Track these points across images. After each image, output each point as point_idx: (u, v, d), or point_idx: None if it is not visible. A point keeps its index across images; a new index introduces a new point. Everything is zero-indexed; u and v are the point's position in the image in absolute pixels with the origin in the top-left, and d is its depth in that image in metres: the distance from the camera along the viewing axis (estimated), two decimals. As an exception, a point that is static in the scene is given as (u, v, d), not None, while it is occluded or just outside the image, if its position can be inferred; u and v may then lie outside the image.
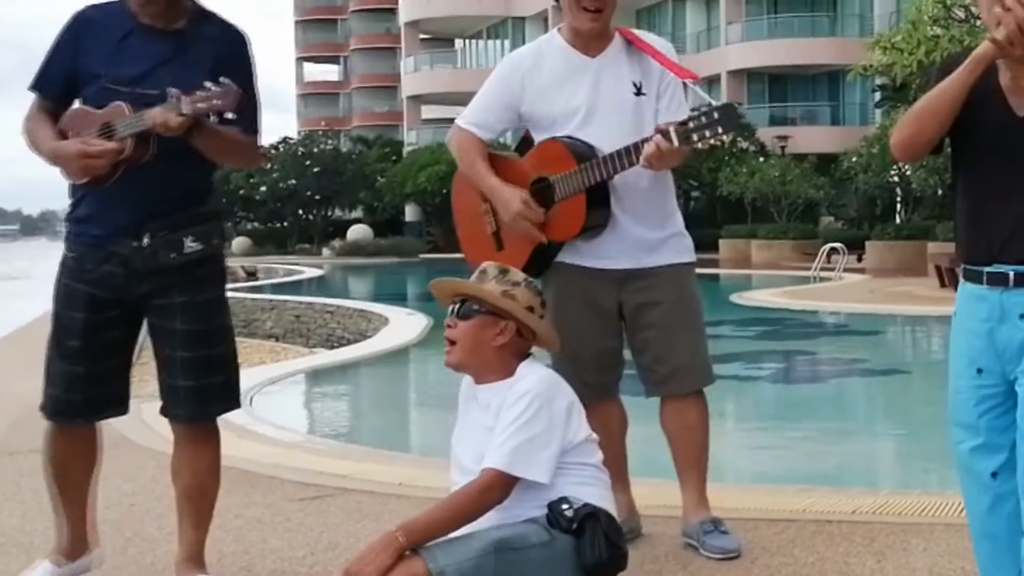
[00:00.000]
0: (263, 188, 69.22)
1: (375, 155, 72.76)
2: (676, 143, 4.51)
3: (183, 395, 4.51)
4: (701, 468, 5.13)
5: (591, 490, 3.93)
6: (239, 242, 69.37)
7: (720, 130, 4.49)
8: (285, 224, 72.96)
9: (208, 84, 4.13)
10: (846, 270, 32.60)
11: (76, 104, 4.46)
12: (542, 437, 3.80)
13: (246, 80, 4.43)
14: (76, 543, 4.73)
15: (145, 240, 4.32)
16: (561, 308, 4.99)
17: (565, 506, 3.78)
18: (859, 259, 37.72)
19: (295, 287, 34.06)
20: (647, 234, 4.98)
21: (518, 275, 4.10)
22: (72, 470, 4.71)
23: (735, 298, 24.14)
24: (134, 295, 4.44)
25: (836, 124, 56.69)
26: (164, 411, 4.62)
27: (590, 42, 4.96)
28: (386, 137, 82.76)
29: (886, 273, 32.94)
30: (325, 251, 62.95)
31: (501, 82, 5.09)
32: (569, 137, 4.90)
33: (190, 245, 4.39)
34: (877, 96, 48.09)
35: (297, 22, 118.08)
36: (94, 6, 4.50)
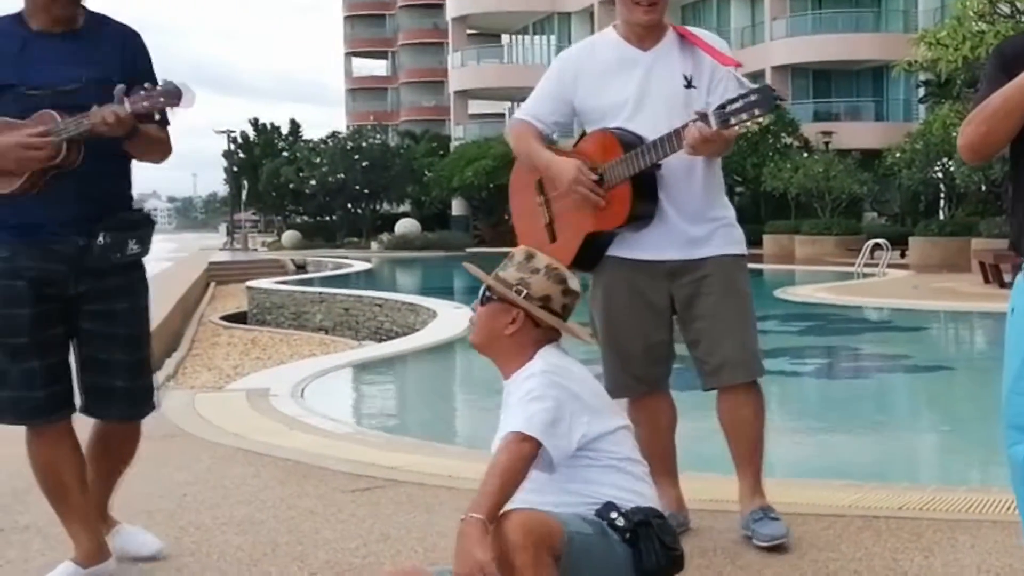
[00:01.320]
0: (312, 182, 69.51)
1: (422, 150, 72.84)
2: (715, 126, 4.50)
3: (119, 396, 4.63)
4: (756, 461, 5.12)
5: (622, 478, 3.87)
6: (289, 235, 69.66)
7: (757, 112, 4.46)
8: (334, 218, 73.21)
9: (148, 84, 4.29)
10: (890, 266, 32.39)
11: None
12: (552, 411, 3.71)
13: (150, 73, 4.58)
14: (91, 549, 4.67)
15: (100, 239, 4.44)
16: (610, 302, 5.02)
17: (614, 515, 3.72)
18: (902, 255, 37.49)
19: (344, 280, 34.22)
20: (695, 226, 4.97)
21: (541, 262, 3.99)
22: (59, 472, 4.65)
23: (779, 293, 24.03)
24: (71, 294, 4.49)
25: (880, 120, 56.37)
26: (91, 411, 4.68)
27: (644, 36, 4.97)
28: (433, 132, 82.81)
29: (930, 269, 32.69)
30: (373, 245, 63.05)
31: (555, 76, 5.14)
32: (619, 128, 4.91)
33: (132, 247, 4.54)
34: (921, 92, 47.84)
35: (346, 17, 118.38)
36: None
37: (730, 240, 5.08)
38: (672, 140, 4.68)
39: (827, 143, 51.39)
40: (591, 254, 5.05)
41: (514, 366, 3.94)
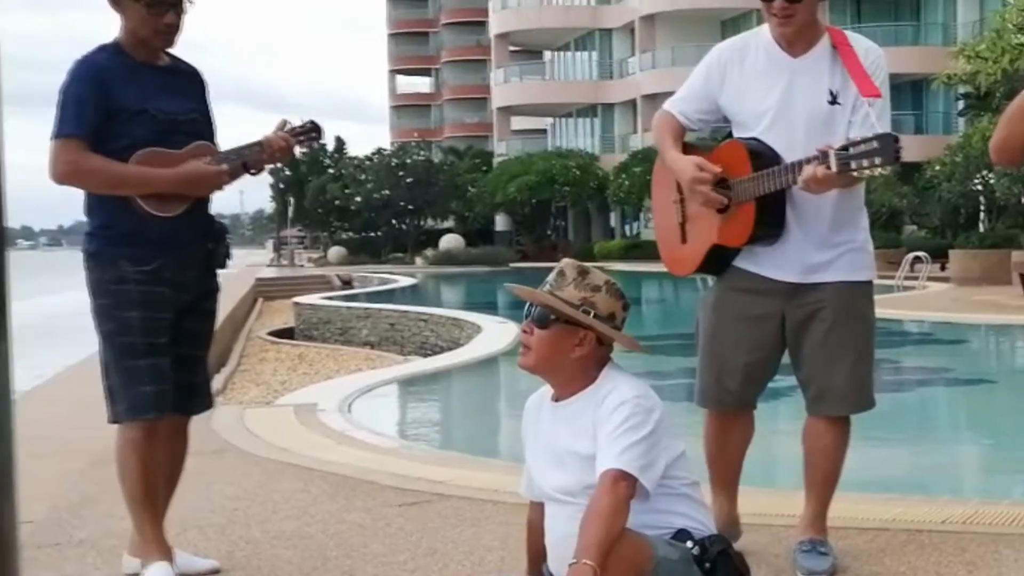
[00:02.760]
0: (358, 198, 69.78)
1: (466, 166, 73.03)
2: (834, 168, 4.31)
3: (201, 390, 5.10)
4: (825, 492, 4.95)
5: (691, 506, 3.87)
6: (335, 251, 69.92)
7: (878, 161, 4.22)
8: (379, 234, 73.42)
9: (299, 119, 5.04)
10: (930, 279, 32.27)
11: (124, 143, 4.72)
12: (646, 442, 3.66)
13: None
14: (162, 546, 4.82)
15: (218, 243, 5.00)
16: (720, 312, 4.90)
17: (690, 543, 3.70)
18: (942, 268, 37.25)
19: (389, 296, 34.25)
20: (819, 251, 4.76)
21: (599, 278, 3.90)
22: (158, 469, 4.85)
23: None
24: (193, 295, 4.93)
25: (920, 133, 56.07)
26: (181, 407, 4.94)
27: (793, 41, 4.75)
28: (476, 148, 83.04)
29: (970, 282, 32.48)
30: (418, 260, 63.20)
31: (703, 73, 4.96)
32: (755, 139, 4.76)
33: (230, 251, 5.16)
34: (961, 105, 47.52)
35: (390, 35, 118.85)
36: (96, 52, 4.77)
37: (855, 266, 4.86)
38: (795, 171, 4.51)
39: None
40: (717, 263, 4.92)
41: (575, 386, 3.86)
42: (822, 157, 4.35)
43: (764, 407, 5.19)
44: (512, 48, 76.95)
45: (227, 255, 5.08)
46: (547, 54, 77.80)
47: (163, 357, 4.77)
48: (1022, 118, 3.34)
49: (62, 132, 4.65)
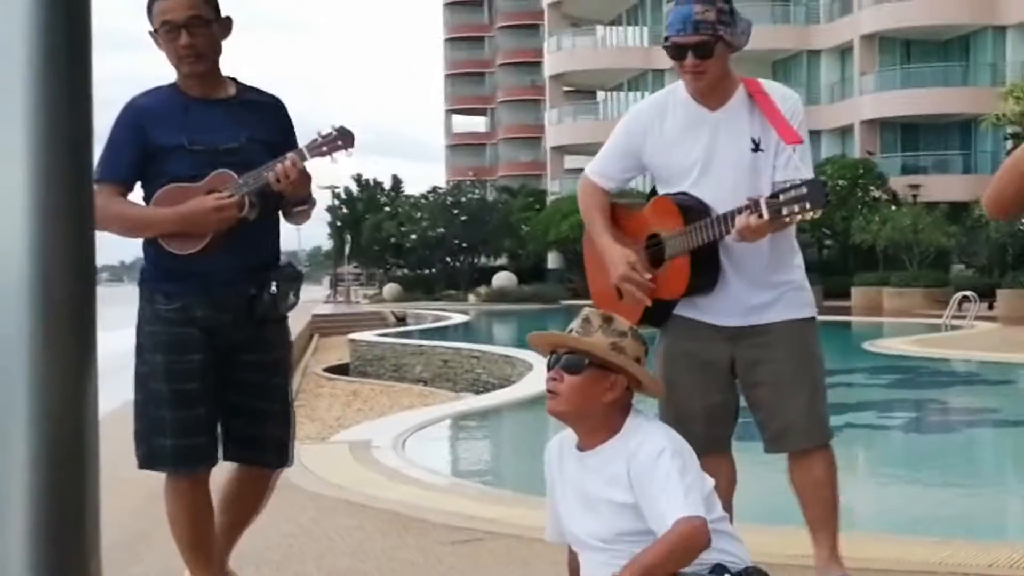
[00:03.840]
0: (413, 236, 69.97)
1: (519, 204, 73.09)
2: (766, 216, 4.33)
3: (272, 444, 4.77)
4: (831, 524, 4.87)
5: (726, 540, 3.83)
6: (390, 288, 70.08)
7: (808, 205, 4.27)
8: (433, 271, 73.55)
9: (320, 131, 4.65)
10: (977, 318, 31.98)
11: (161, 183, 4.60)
12: (696, 484, 3.67)
13: (295, 136, 4.84)
14: None
15: (272, 288, 4.62)
16: (670, 361, 4.85)
17: None
18: (990, 307, 36.98)
19: (443, 333, 34.33)
20: (758, 292, 4.76)
21: (623, 324, 3.93)
22: (204, 522, 4.73)
23: (867, 346, 23.79)
24: (230, 342, 4.64)
25: (968, 172, 55.68)
26: (242, 458, 4.78)
27: (708, 95, 4.76)
28: (530, 186, 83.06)
29: (1018, 321, 32.20)
30: (471, 297, 63.22)
31: (624, 133, 4.98)
32: (683, 193, 4.76)
33: (292, 299, 4.73)
34: (1009, 144, 47.19)
35: (447, 76, 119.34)
36: (143, 95, 4.72)
37: (796, 304, 4.86)
38: (728, 222, 4.51)
39: (915, 196, 50.92)
40: (658, 313, 4.89)
41: (602, 435, 3.84)
42: (753, 206, 4.37)
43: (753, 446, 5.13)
44: (566, 88, 77.12)
45: (277, 303, 4.67)
46: (600, 94, 77.90)
47: (195, 408, 4.56)
48: (1013, 173, 3.33)
49: (95, 177, 4.54)
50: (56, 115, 1.19)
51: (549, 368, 3.92)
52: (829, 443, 4.90)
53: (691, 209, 4.71)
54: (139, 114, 4.63)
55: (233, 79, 4.78)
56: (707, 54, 4.64)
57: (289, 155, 4.54)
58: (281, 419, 4.79)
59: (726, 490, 4.91)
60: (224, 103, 4.69)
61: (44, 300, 1.18)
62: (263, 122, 4.75)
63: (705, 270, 4.73)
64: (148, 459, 4.62)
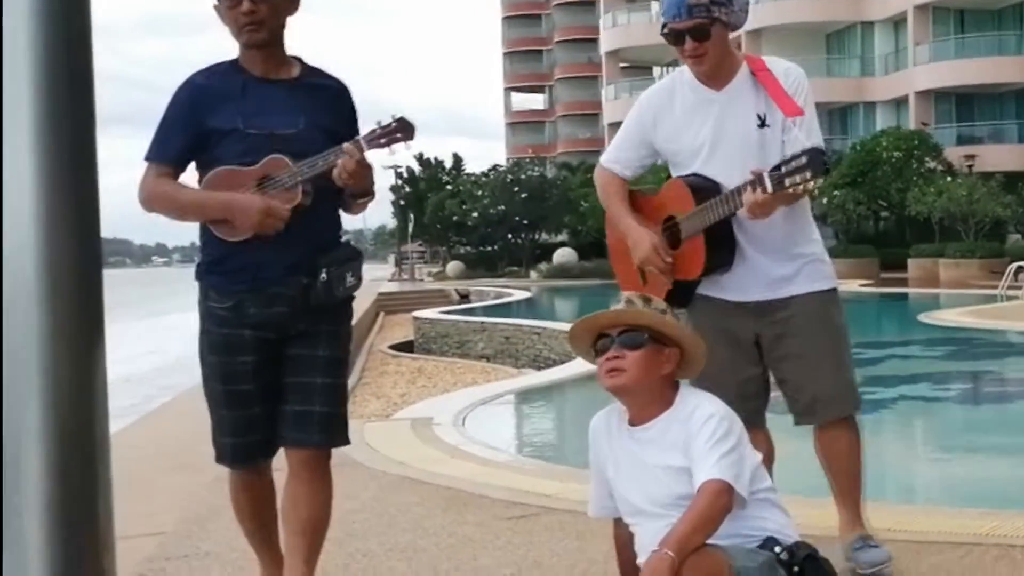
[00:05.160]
0: (475, 214, 70.01)
1: (579, 180, 72.88)
2: (770, 189, 4.37)
3: (317, 420, 4.42)
4: (855, 492, 4.97)
5: (776, 512, 3.89)
6: (453, 266, 70.24)
7: (808, 175, 4.29)
8: (495, 248, 73.58)
9: (380, 121, 4.36)
10: (1034, 287, 31.64)
11: (214, 165, 4.39)
12: (736, 452, 3.72)
13: (356, 124, 4.57)
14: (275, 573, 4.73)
15: (323, 276, 4.34)
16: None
17: (778, 548, 3.72)
18: (1048, 276, 36.57)
19: (505, 309, 34.28)
20: (779, 265, 4.83)
21: (661, 303, 4.01)
22: (266, 510, 4.71)
23: (923, 318, 23.53)
24: (291, 332, 4.42)
25: (1023, 142, 55.16)
26: (289, 439, 4.45)
27: (713, 76, 4.80)
28: (589, 163, 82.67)
29: (1075, 290, 31.82)
30: (532, 274, 63.19)
31: (637, 121, 5.04)
32: (694, 174, 4.81)
33: (350, 280, 4.44)
34: (1065, 114, 46.77)
35: (505, 54, 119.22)
36: (201, 72, 4.49)
37: (817, 276, 4.91)
38: (736, 197, 4.57)
39: (970, 166, 50.43)
40: (682, 294, 4.93)
41: (656, 408, 3.90)
42: (757, 180, 4.41)
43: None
44: (622, 64, 76.93)
45: (331, 289, 4.38)
46: (656, 70, 77.49)
47: (248, 408, 4.43)
48: None
49: (145, 156, 4.43)
50: (59, 109, 1.22)
51: (601, 351, 3.95)
52: (855, 414, 4.95)
53: (701, 189, 4.76)
54: (195, 94, 4.40)
55: (298, 59, 4.54)
56: (704, 37, 4.67)
57: (346, 146, 4.27)
58: (326, 393, 4.46)
59: (764, 465, 4.99)
60: (285, 84, 4.44)
61: (52, 292, 1.22)
62: (324, 107, 4.48)
63: (720, 248, 4.78)
64: (217, 456, 4.58)
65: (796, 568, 3.69)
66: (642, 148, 5.04)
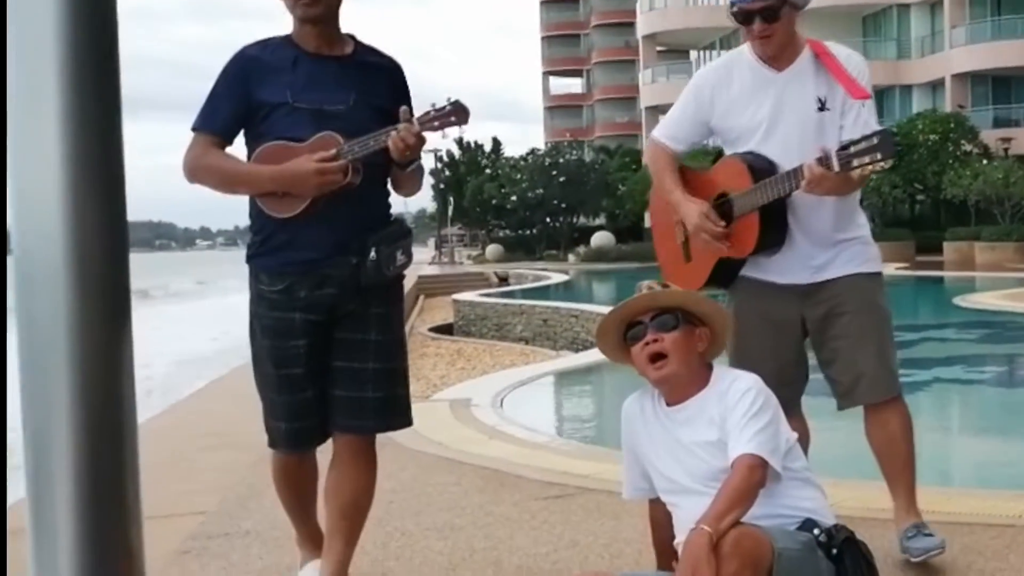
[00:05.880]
0: (513, 198, 69.99)
1: (616, 164, 72.80)
2: (836, 168, 4.32)
3: (371, 406, 4.37)
4: (907, 477, 4.87)
5: (814, 492, 3.89)
6: (492, 249, 70.27)
7: (879, 156, 4.22)
8: (534, 231, 73.55)
9: (435, 103, 4.24)
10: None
11: (265, 140, 4.30)
12: (771, 427, 3.72)
13: (410, 104, 4.44)
14: (314, 547, 4.75)
15: (372, 255, 4.25)
16: (741, 322, 4.77)
17: (817, 531, 3.71)
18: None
19: (543, 292, 34.30)
20: (824, 250, 4.78)
21: (678, 288, 4.07)
22: (308, 489, 4.71)
23: (958, 301, 23.32)
24: (341, 313, 4.34)
25: (1061, 123, 54.71)
26: (342, 426, 4.41)
27: (776, 56, 4.76)
28: (626, 147, 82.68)
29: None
30: (571, 257, 63.11)
31: (693, 97, 4.98)
32: (750, 153, 4.75)
33: (400, 258, 4.34)
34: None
35: (543, 38, 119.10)
36: (254, 44, 4.42)
37: (862, 258, 4.86)
38: (796, 177, 4.50)
39: (1006, 149, 50.01)
40: (725, 274, 4.90)
41: (694, 387, 3.91)
42: (824, 158, 4.35)
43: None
44: (659, 48, 76.58)
45: (381, 268, 4.28)
46: (693, 54, 77.15)
47: (301, 391, 4.35)
48: None
49: (193, 126, 4.35)
50: (85, 90, 1.23)
51: (635, 339, 3.96)
52: (901, 396, 4.88)
53: (758, 167, 4.71)
54: (246, 65, 4.33)
55: (352, 37, 4.46)
56: (774, 18, 4.65)
57: (401, 126, 4.17)
58: (380, 378, 4.38)
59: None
60: (337, 61, 4.36)
61: (80, 276, 1.23)
62: (376, 86, 4.39)
63: (774, 227, 4.72)
64: (270, 441, 4.52)
65: (835, 551, 3.68)
66: (697, 125, 4.98)
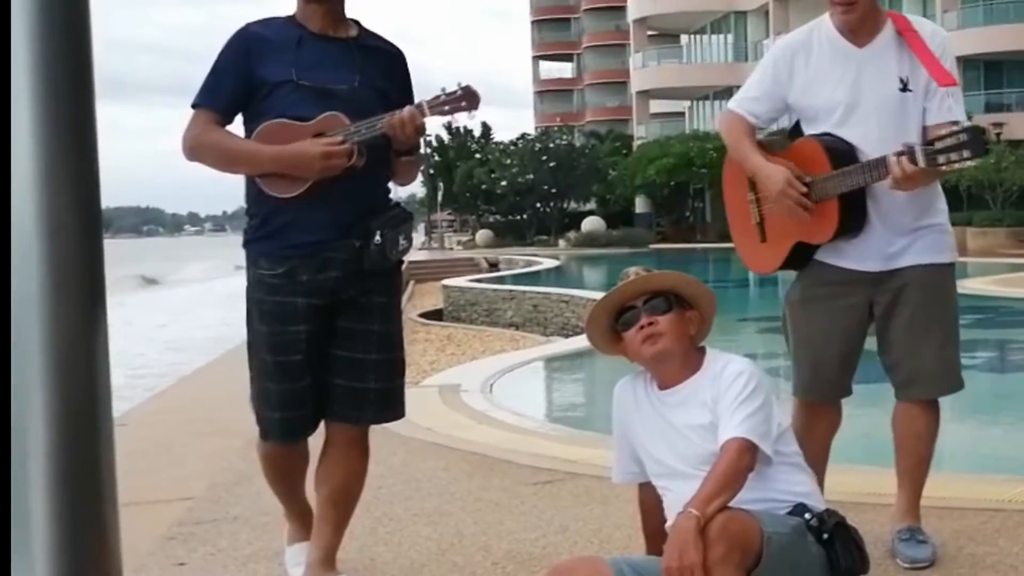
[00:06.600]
0: (503, 183, 69.91)
1: (607, 149, 72.80)
2: (921, 164, 4.19)
3: (372, 397, 4.37)
4: (917, 477, 4.82)
5: (805, 477, 3.89)
6: (482, 234, 70.20)
7: (967, 154, 4.11)
8: (524, 217, 73.46)
9: (444, 88, 4.21)
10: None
11: (265, 118, 4.24)
12: (763, 411, 3.72)
13: (411, 91, 4.45)
14: (300, 529, 4.75)
15: (376, 238, 4.21)
16: (811, 305, 4.75)
17: (808, 515, 3.71)
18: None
19: (534, 278, 34.23)
20: (900, 238, 4.62)
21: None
22: (298, 475, 4.67)
23: (951, 285, 23.35)
24: (342, 299, 4.30)
25: (1053, 110, 54.73)
26: (341, 415, 4.40)
27: (857, 30, 4.59)
28: (617, 131, 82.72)
29: None
30: (561, 242, 63.04)
31: (770, 72, 4.78)
32: (829, 135, 4.60)
33: (403, 243, 4.31)
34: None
35: (533, 22, 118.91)
36: (258, 22, 4.39)
37: (936, 248, 4.71)
38: (879, 169, 4.37)
39: (998, 134, 50.01)
40: (800, 259, 4.78)
41: (687, 371, 3.91)
42: (908, 153, 4.25)
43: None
44: (650, 32, 76.48)
45: (385, 252, 4.25)
46: (684, 38, 77.11)
47: (298, 380, 4.29)
48: None
49: (193, 102, 4.29)
50: (57, 73, 1.23)
51: (628, 324, 3.96)
52: (938, 400, 4.79)
53: (838, 152, 4.56)
54: (249, 41, 4.28)
55: (356, 21, 4.43)
56: None
57: (408, 108, 4.15)
58: (382, 369, 4.39)
59: (826, 437, 4.90)
60: (343, 42, 4.33)
61: (54, 259, 1.23)
62: (380, 69, 4.37)
63: (855, 213, 4.58)
64: (262, 432, 4.46)
65: (826, 535, 3.69)
66: (775, 100, 4.79)
